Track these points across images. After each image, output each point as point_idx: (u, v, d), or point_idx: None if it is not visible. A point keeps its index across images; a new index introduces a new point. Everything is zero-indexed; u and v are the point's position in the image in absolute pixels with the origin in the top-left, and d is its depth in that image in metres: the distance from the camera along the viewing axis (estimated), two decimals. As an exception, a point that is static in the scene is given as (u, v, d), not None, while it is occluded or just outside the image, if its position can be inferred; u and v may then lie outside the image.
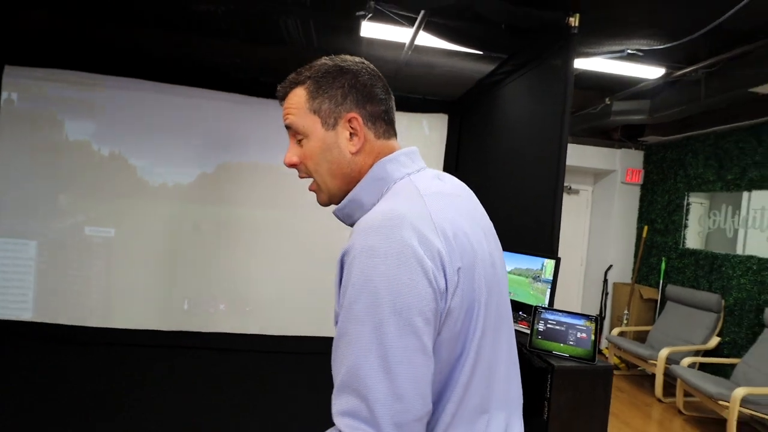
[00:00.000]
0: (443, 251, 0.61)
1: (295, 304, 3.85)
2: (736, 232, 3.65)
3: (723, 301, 3.54)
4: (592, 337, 1.73)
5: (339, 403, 0.58)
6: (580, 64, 3.02)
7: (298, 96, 0.75)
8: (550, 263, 2.17)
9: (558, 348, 1.76)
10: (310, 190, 0.80)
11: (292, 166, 0.78)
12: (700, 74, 3.19)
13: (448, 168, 4.03)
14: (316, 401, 2.86)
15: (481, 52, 2.88)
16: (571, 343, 1.74)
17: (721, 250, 3.70)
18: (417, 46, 2.88)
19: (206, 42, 3.15)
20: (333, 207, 0.81)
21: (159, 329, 3.65)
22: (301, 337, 3.83)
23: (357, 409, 0.56)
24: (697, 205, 4.03)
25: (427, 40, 2.78)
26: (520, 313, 2.26)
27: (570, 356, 1.72)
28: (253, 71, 3.66)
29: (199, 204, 3.75)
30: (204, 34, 3.03)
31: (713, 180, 3.77)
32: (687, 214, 4.05)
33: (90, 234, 3.60)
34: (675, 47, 2.91)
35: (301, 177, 0.80)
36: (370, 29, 2.73)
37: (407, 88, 3.78)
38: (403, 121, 3.98)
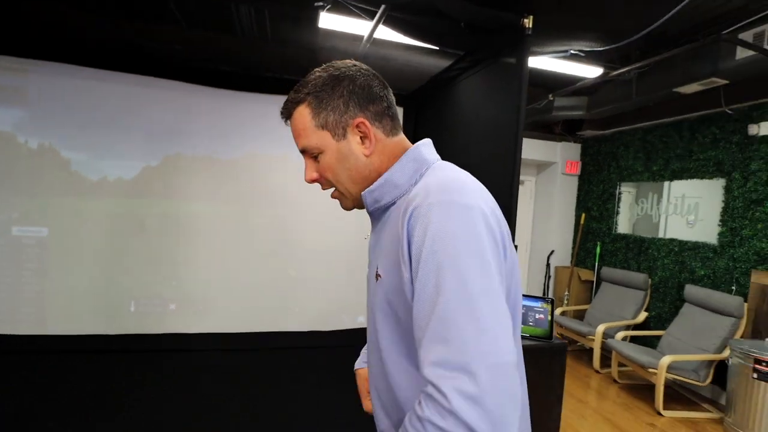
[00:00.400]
0: (498, 216, 0.68)
1: (250, 302, 3.78)
2: (659, 217, 4.07)
3: (649, 280, 3.95)
4: (549, 318, 1.89)
5: (428, 354, 0.58)
6: (529, 62, 3.20)
7: (303, 115, 0.76)
8: (508, 251, 2.30)
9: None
10: (333, 197, 0.83)
11: (313, 182, 0.80)
12: (632, 75, 3.49)
13: (403, 160, 4.11)
14: (276, 397, 2.86)
15: (438, 48, 2.96)
16: (531, 324, 1.89)
17: (647, 234, 4.12)
18: (375, 39, 2.89)
19: (151, 27, 2.95)
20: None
21: (103, 333, 3.42)
22: (256, 333, 3.77)
23: (446, 358, 0.55)
24: (627, 194, 4.43)
25: (385, 33, 2.81)
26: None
27: (530, 336, 1.86)
28: (204, 59, 3.50)
29: (144, 199, 3.53)
30: (148, 19, 2.84)
31: (641, 171, 4.16)
32: (619, 202, 4.45)
33: (18, 234, 3.27)
34: (612, 50, 3.17)
35: (324, 189, 0.83)
36: (329, 20, 2.71)
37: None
38: (358, 113, 3.99)
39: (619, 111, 4.03)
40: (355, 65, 0.79)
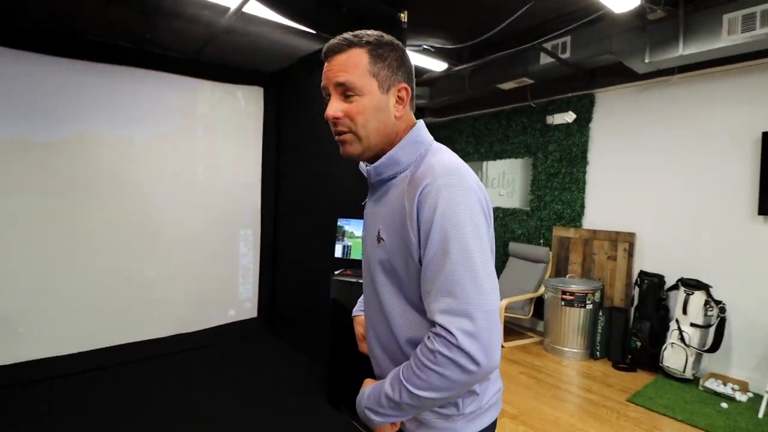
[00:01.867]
0: (484, 192, 0.82)
1: (95, 314, 3.19)
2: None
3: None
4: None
5: (436, 304, 0.73)
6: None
7: (359, 57, 0.81)
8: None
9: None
10: (342, 140, 0.85)
11: (335, 118, 0.83)
12: (467, 71, 4.13)
13: (268, 142, 3.97)
14: (144, 415, 2.56)
15: (311, 30, 2.95)
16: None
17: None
18: (243, 13, 2.72)
19: None
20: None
21: None
22: (105, 349, 3.21)
23: (452, 306, 0.72)
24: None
25: (254, 8, 2.67)
26: (375, 271, 2.60)
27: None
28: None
29: None
30: None
31: (472, 152, 4.98)
32: (456, 179, 5.24)
33: None
34: (457, 48, 3.70)
35: (337, 131, 0.85)
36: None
37: (218, 56, 3.49)
38: (215, 91, 3.68)
39: (454, 101, 4.72)
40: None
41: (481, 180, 4.87)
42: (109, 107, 3.15)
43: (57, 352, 3.02)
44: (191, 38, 3.14)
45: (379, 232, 0.85)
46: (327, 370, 2.90)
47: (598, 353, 3.57)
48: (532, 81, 3.96)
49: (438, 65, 3.87)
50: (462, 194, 0.75)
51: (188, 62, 3.46)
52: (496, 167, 4.82)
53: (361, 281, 2.35)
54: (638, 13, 2.82)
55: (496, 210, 4.73)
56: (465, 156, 5.07)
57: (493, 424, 0.90)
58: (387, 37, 0.85)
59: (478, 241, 0.75)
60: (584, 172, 3.95)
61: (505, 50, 3.61)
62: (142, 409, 2.58)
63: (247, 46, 3.27)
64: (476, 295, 0.72)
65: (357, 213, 2.73)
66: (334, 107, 0.83)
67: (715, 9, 2.67)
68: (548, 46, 3.47)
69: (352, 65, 0.81)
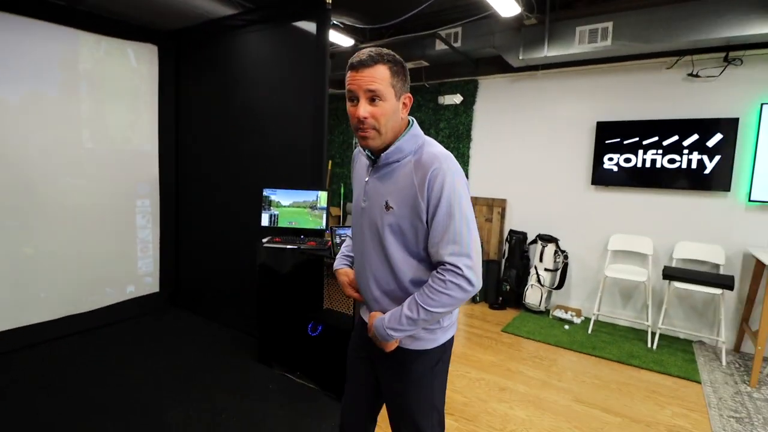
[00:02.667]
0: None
1: None
2: None
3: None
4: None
5: (446, 250, 1.06)
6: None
7: (384, 71, 1.06)
8: (323, 194, 2.78)
9: (353, 253, 2.46)
10: (365, 136, 1.10)
11: (365, 119, 1.07)
12: (370, 48, 4.37)
13: (166, 107, 3.71)
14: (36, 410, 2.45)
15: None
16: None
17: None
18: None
19: None
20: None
21: None
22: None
23: (457, 250, 1.06)
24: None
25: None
26: (302, 237, 2.80)
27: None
28: None
29: None
30: None
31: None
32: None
33: None
34: (363, 28, 3.90)
35: (363, 128, 1.09)
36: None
37: (104, 7, 3.10)
38: (101, 46, 3.29)
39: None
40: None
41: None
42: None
43: None
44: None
45: (387, 203, 1.13)
46: (255, 331, 3.05)
47: (477, 298, 4.35)
48: (427, 64, 4.41)
49: (345, 41, 4.04)
50: (459, 175, 1.09)
51: (68, 10, 3.02)
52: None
53: (289, 247, 2.55)
54: (517, 18, 3.40)
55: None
56: (364, 128, 5.39)
57: (453, 338, 1.27)
58: (398, 57, 1.10)
59: (470, 207, 1.10)
60: (469, 148, 4.60)
61: (407, 33, 3.96)
62: (41, 403, 2.42)
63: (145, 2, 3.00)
64: (471, 243, 1.08)
65: (283, 183, 2.87)
66: (364, 109, 1.07)
67: (571, 22, 3.38)
68: (443, 33, 3.91)
69: (379, 77, 1.05)
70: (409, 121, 1.17)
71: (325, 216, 2.78)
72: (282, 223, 2.80)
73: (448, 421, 2.32)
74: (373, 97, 1.06)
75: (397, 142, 1.13)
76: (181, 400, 2.40)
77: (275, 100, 3.05)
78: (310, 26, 2.81)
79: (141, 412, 2.28)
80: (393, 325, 1.12)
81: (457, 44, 3.88)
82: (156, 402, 2.36)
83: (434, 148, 1.12)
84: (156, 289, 3.86)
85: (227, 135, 3.36)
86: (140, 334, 3.27)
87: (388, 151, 1.13)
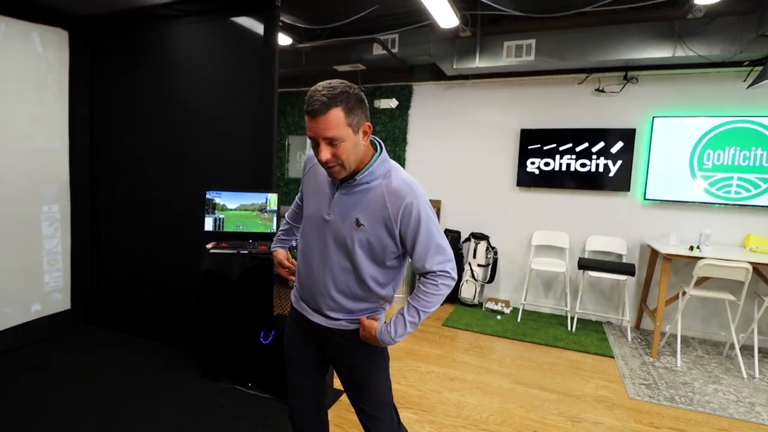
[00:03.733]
0: None
1: None
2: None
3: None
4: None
5: (434, 261, 1.23)
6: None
7: (337, 115, 1.10)
8: (273, 196, 2.69)
9: (310, 256, 2.42)
10: (332, 171, 1.19)
11: (328, 161, 1.15)
12: (307, 49, 4.32)
13: (78, 101, 3.30)
14: None
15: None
16: (317, 250, 2.45)
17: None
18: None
19: None
20: None
21: None
22: None
23: (443, 259, 1.25)
24: (293, 145, 5.44)
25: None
26: (250, 241, 2.69)
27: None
28: None
29: None
30: None
31: (305, 126, 5.22)
32: (288, 152, 5.41)
33: None
34: (300, 28, 3.85)
35: (329, 166, 1.17)
36: None
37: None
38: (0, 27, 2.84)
39: (290, 74, 4.83)
40: (361, 89, 1.18)
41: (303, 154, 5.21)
42: None
43: None
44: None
45: (358, 220, 1.23)
46: (195, 344, 2.84)
47: (416, 296, 4.51)
48: (364, 67, 4.46)
49: (284, 39, 3.94)
50: (427, 202, 1.24)
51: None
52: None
53: (240, 251, 2.44)
54: (453, 29, 3.61)
55: (328, 182, 5.15)
56: (296, 130, 5.29)
57: None
58: (353, 89, 1.13)
59: (437, 221, 1.25)
60: (404, 151, 4.76)
61: (344, 36, 3.99)
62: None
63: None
64: (448, 249, 1.27)
65: (228, 186, 2.72)
66: (326, 153, 1.14)
67: (500, 36, 3.67)
68: (380, 38, 4.00)
69: (334, 123, 1.10)
70: (376, 145, 1.26)
71: (275, 219, 2.70)
72: (228, 227, 2.65)
73: (407, 414, 2.40)
74: (333, 141, 1.12)
75: (369, 167, 1.22)
76: (119, 424, 2.16)
77: (217, 98, 2.89)
78: (254, 23, 2.71)
79: (73, 444, 2.01)
80: (400, 332, 1.28)
81: (395, 50, 4.00)
82: (97, 426, 2.10)
83: (401, 174, 1.26)
84: (67, 306, 3.41)
85: (160, 134, 3.09)
86: (52, 359, 2.87)
87: (362, 175, 1.22)
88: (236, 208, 2.67)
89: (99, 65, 3.31)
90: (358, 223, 1.22)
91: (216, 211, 2.65)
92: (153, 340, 3.20)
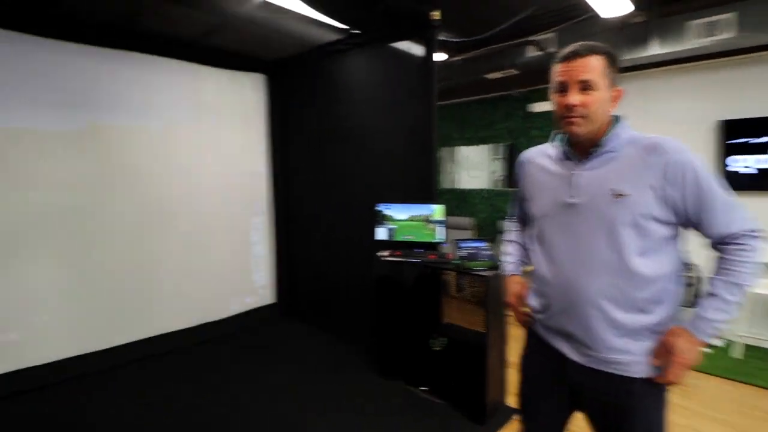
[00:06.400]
0: None
1: (101, 312, 3.12)
2: (454, 174, 5.33)
3: (475, 221, 5.20)
4: (493, 252, 2.51)
5: (730, 219, 1.03)
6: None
7: (599, 61, 1.07)
8: (439, 207, 2.81)
9: (477, 265, 2.45)
10: (572, 122, 1.09)
11: (574, 106, 1.08)
12: (458, 62, 4.42)
13: (274, 131, 3.99)
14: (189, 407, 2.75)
15: (336, 23, 3.03)
16: (484, 259, 2.46)
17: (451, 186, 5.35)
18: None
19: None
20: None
21: None
22: (126, 345, 3.17)
23: (741, 215, 1.04)
24: (444, 157, 5.57)
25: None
26: (417, 250, 2.85)
27: (486, 268, 2.44)
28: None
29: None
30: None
31: (457, 138, 5.32)
32: (439, 163, 5.57)
33: None
34: (452, 42, 3.96)
35: (571, 115, 1.09)
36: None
37: (222, 43, 3.38)
38: (221, 78, 3.63)
39: (441, 89, 4.99)
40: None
41: (457, 164, 5.25)
42: (118, 98, 3.04)
43: (79, 350, 2.93)
44: (200, 24, 2.98)
45: (614, 190, 1.06)
46: (371, 344, 3.11)
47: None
48: (516, 72, 4.35)
49: (437, 56, 4.10)
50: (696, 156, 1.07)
51: (193, 48, 3.35)
52: (472, 151, 5.20)
53: (412, 260, 2.57)
54: (620, 17, 3.27)
55: (481, 192, 5.13)
56: (449, 141, 5.41)
57: None
58: (613, 51, 1.11)
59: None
60: (564, 154, 4.45)
61: (495, 43, 3.95)
62: (186, 401, 2.65)
63: (255, 33, 3.15)
64: (743, 207, 1.06)
65: (396, 198, 2.94)
66: (575, 98, 1.07)
67: (681, 16, 3.19)
68: (535, 39, 3.85)
69: (592, 67, 1.06)
70: (614, 116, 1.15)
71: (441, 229, 2.81)
72: (398, 237, 2.86)
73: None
74: (585, 87, 1.07)
75: (614, 129, 1.12)
76: (318, 412, 2.53)
77: (382, 118, 3.15)
78: (412, 45, 2.91)
79: (285, 422, 2.42)
80: (716, 316, 1.03)
81: (553, 50, 3.80)
82: (294, 413, 2.50)
83: (652, 135, 1.10)
84: (273, 300, 4.12)
85: (336, 154, 3.53)
86: (262, 342, 3.52)
87: (607, 138, 1.11)
88: (406, 219, 2.86)
89: (288, 99, 3.95)
90: (617, 195, 1.05)
91: (386, 222, 2.89)
92: (334, 334, 3.64)
